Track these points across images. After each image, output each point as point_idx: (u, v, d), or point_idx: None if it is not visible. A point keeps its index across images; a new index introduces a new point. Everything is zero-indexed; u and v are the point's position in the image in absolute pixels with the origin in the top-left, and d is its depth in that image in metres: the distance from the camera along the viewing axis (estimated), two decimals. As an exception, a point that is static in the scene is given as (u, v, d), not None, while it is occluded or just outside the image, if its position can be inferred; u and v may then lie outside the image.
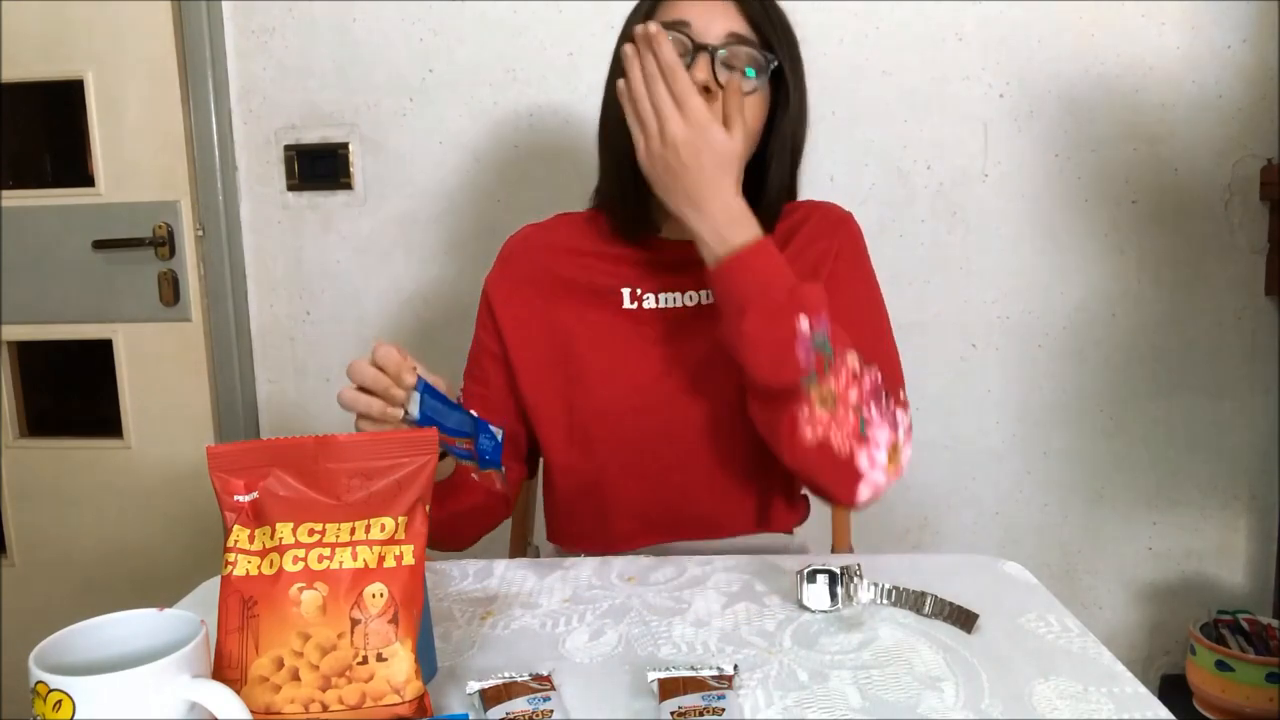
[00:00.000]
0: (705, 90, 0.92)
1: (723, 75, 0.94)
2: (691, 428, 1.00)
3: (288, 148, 1.85)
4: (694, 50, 0.93)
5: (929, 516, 1.85)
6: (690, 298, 1.03)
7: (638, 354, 1.02)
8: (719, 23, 0.94)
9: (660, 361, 1.01)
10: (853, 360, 0.86)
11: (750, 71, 0.95)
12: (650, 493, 1.02)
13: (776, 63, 0.97)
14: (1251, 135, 1.70)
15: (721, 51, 0.94)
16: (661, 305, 1.03)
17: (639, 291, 1.03)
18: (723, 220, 0.88)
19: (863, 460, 0.86)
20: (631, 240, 1.04)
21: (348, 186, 1.86)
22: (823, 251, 1.03)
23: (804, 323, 0.84)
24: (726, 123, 0.88)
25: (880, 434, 0.86)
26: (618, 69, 0.96)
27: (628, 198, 1.01)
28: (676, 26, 0.94)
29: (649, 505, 1.02)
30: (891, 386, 0.91)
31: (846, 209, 1.10)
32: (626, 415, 1.00)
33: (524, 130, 1.80)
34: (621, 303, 1.03)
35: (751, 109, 0.95)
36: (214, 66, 1.83)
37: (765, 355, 0.86)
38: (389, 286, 1.88)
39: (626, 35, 0.99)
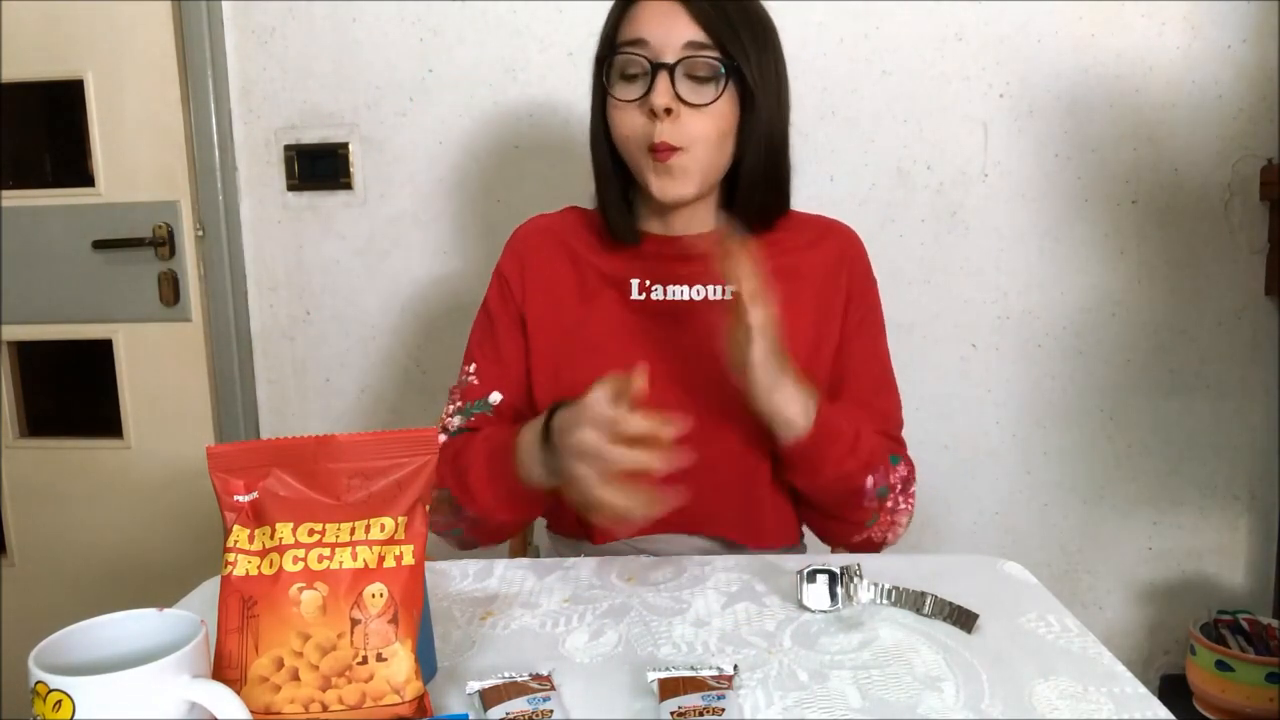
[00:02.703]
0: (667, 112, 0.95)
1: (684, 88, 0.96)
2: (694, 422, 1.00)
3: (288, 148, 1.85)
4: (652, 70, 0.96)
5: (929, 516, 1.85)
6: (698, 291, 1.04)
7: (644, 344, 1.02)
8: (675, 35, 0.96)
9: (667, 353, 1.02)
10: (894, 477, 1.00)
11: (714, 69, 0.96)
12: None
13: (734, 64, 0.97)
14: (1251, 135, 1.70)
15: (678, 67, 0.96)
16: (670, 297, 1.04)
17: (647, 282, 1.05)
18: (781, 419, 0.93)
19: (889, 536, 1.04)
20: (627, 243, 1.06)
21: (348, 186, 1.86)
22: (835, 286, 1.06)
23: (869, 481, 0.97)
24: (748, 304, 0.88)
25: (904, 515, 1.03)
26: (594, 79, 1.03)
27: (617, 206, 1.05)
28: (635, 45, 0.97)
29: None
30: (893, 429, 1.07)
31: (852, 227, 1.12)
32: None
33: (524, 130, 1.81)
34: (630, 293, 1.05)
35: (715, 117, 0.98)
36: (214, 66, 1.83)
37: (835, 513, 1.02)
38: (389, 286, 1.88)
39: (598, 47, 1.02)
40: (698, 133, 0.97)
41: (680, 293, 1.04)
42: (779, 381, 0.91)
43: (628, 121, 0.99)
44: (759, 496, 1.04)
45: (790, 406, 0.92)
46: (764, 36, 1.01)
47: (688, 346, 1.02)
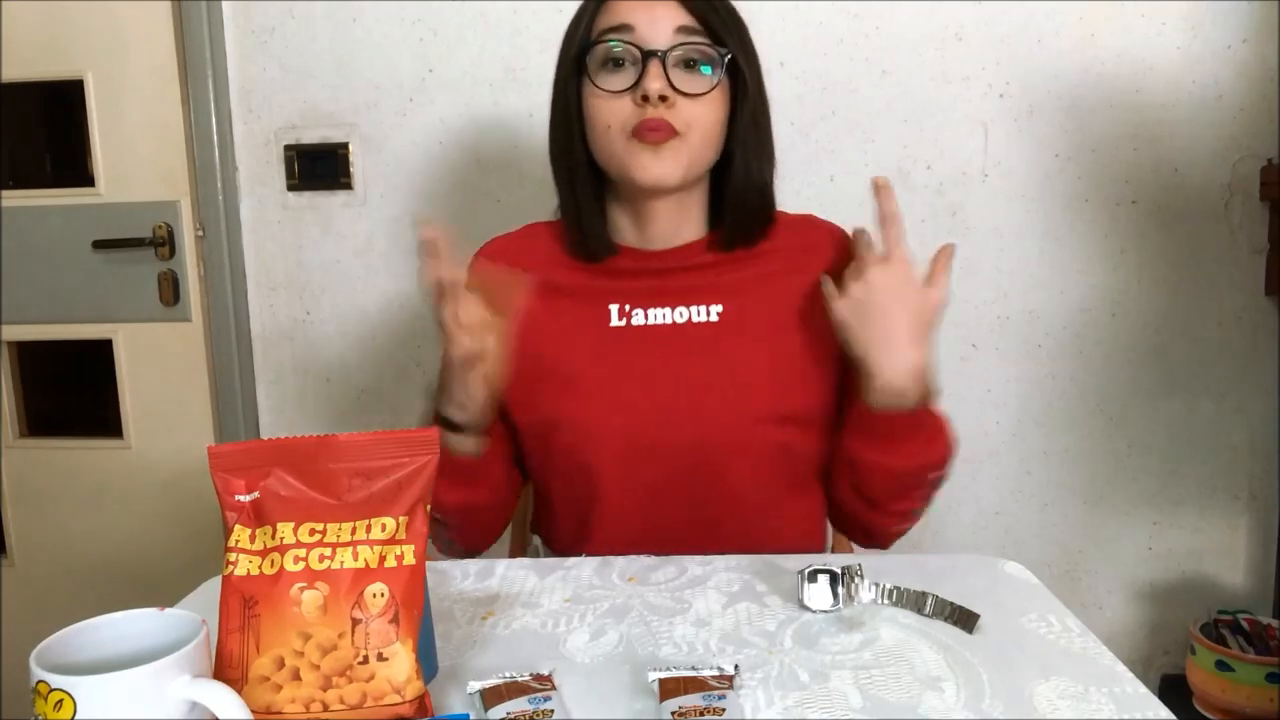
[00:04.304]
0: (662, 99, 0.90)
1: (677, 76, 0.91)
2: (689, 451, 0.96)
3: (288, 148, 1.85)
4: (643, 58, 0.91)
5: (929, 516, 1.83)
6: (681, 314, 0.98)
7: (630, 374, 0.97)
8: (663, 21, 0.91)
9: (654, 382, 0.97)
10: (947, 470, 0.97)
11: (706, 68, 0.92)
12: (643, 514, 0.98)
13: (730, 54, 0.93)
14: (1251, 135, 1.70)
15: (672, 53, 0.91)
16: (652, 322, 0.98)
17: (627, 307, 0.99)
18: (906, 377, 0.89)
19: (905, 525, 1.03)
20: (598, 258, 1.00)
21: (348, 186, 1.86)
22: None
23: (933, 475, 0.96)
24: (933, 279, 0.89)
25: (927, 508, 1.01)
26: (563, 75, 0.98)
27: (588, 212, 0.99)
28: (619, 31, 0.92)
29: (640, 525, 0.98)
30: None
31: (843, 229, 1.05)
32: (619, 438, 0.96)
33: (524, 130, 1.80)
34: (609, 319, 0.99)
35: (710, 106, 0.93)
36: (214, 66, 1.83)
37: (897, 503, 0.98)
38: (389, 286, 1.88)
39: (569, 40, 0.98)
40: (694, 119, 0.92)
41: (663, 316, 0.98)
42: (921, 344, 0.88)
43: (613, 110, 0.92)
44: (775, 526, 0.99)
45: (912, 370, 0.88)
46: (742, 25, 0.96)
47: (676, 376, 0.97)
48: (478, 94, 1.80)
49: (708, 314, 0.98)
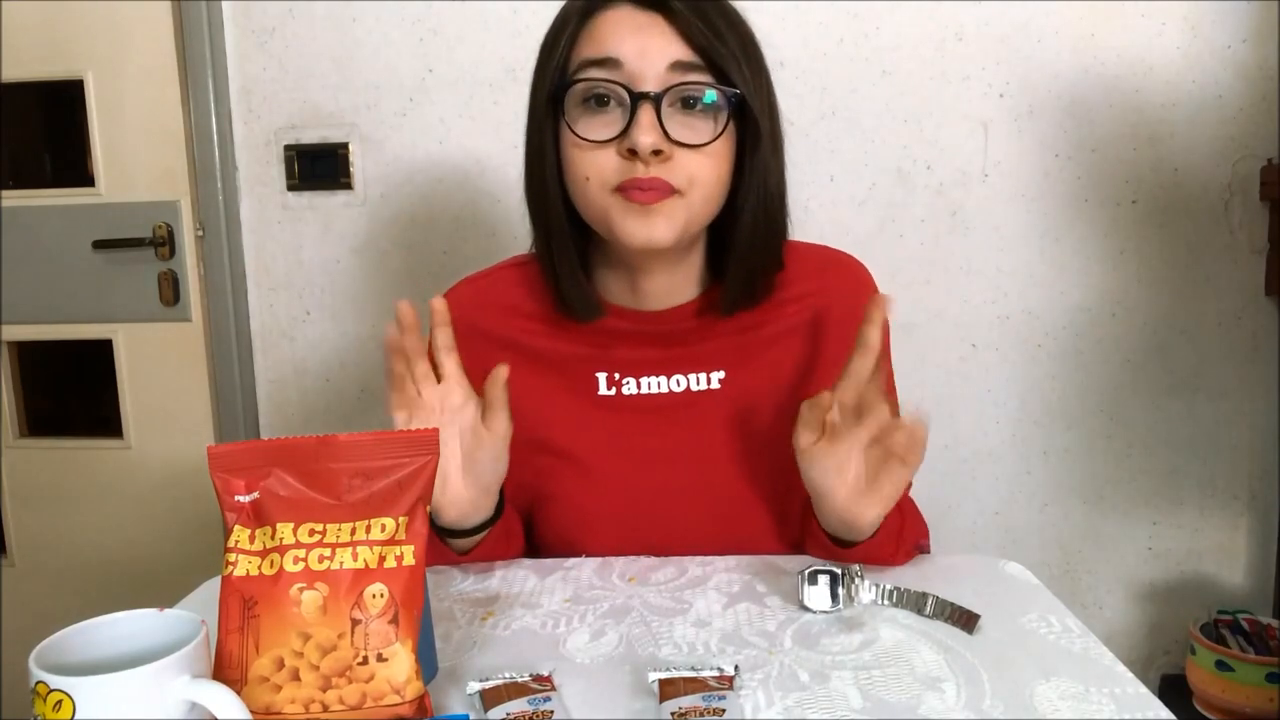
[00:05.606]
0: (656, 153, 0.78)
1: (673, 121, 0.78)
2: (689, 531, 0.90)
3: (288, 148, 1.85)
4: (632, 102, 0.78)
5: (929, 517, 1.84)
6: (678, 382, 0.90)
7: (621, 451, 0.90)
8: (657, 54, 0.78)
9: (649, 460, 0.90)
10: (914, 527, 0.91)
11: (710, 96, 0.80)
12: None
13: (737, 94, 0.80)
14: (1251, 135, 1.70)
15: (665, 95, 0.78)
16: (645, 391, 0.90)
17: (617, 376, 0.89)
18: (860, 523, 0.81)
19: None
20: (582, 320, 0.90)
21: (348, 186, 1.86)
22: (849, 334, 0.86)
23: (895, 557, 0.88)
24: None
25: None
26: (537, 110, 0.87)
27: (568, 274, 0.87)
28: (604, 66, 0.80)
29: None
30: None
31: (860, 262, 0.96)
32: (612, 520, 0.91)
33: (524, 130, 1.80)
34: (597, 388, 0.90)
35: (714, 158, 0.81)
36: (214, 66, 1.83)
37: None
38: (389, 286, 1.88)
39: (543, 67, 0.88)
40: (695, 173, 0.80)
41: (658, 384, 0.89)
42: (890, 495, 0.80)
43: (594, 162, 0.80)
44: None
45: (870, 513, 0.80)
46: (756, 55, 0.83)
47: (674, 452, 0.90)
48: (478, 94, 1.80)
49: (708, 381, 0.90)
